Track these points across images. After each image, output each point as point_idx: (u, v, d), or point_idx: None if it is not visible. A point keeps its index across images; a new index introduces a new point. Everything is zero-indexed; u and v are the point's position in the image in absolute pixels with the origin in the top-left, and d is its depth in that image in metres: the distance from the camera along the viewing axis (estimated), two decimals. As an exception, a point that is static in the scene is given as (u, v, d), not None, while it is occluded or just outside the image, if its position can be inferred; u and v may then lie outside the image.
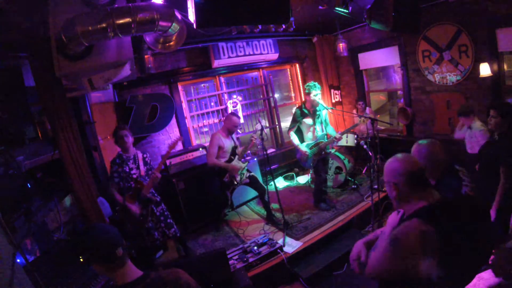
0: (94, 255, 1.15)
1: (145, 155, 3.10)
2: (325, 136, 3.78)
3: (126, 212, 2.79)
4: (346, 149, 5.12)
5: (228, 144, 3.66)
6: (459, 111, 3.37)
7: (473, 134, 3.24)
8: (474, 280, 2.55)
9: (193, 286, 1.20)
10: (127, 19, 1.89)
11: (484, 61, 3.67)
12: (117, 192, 2.87)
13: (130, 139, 2.98)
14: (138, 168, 2.99)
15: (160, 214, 3.10)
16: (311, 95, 3.61)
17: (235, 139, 3.83)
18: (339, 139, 3.72)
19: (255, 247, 3.08)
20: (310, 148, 3.77)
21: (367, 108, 5.44)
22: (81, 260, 1.14)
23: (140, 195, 2.89)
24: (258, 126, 3.61)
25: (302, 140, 3.88)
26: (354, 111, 5.46)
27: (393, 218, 1.41)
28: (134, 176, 2.95)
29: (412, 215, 1.17)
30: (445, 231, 1.07)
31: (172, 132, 4.59)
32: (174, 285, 1.16)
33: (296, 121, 3.80)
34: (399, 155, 1.32)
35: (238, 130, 5.11)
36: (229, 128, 3.67)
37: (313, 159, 3.81)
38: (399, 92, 5.79)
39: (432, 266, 1.04)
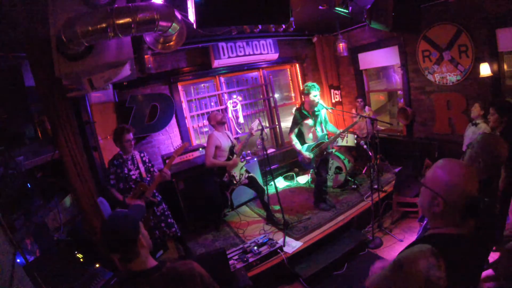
0: (114, 247, 1.15)
1: (142, 155, 3.08)
2: (326, 136, 3.78)
3: None
4: (346, 149, 5.12)
5: (225, 143, 3.66)
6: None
7: (477, 132, 3.26)
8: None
9: (206, 278, 1.23)
10: (127, 19, 1.89)
11: (484, 61, 3.67)
12: (116, 192, 2.85)
13: (133, 142, 2.97)
14: (137, 169, 2.98)
15: (160, 214, 3.09)
16: (310, 95, 3.59)
17: (232, 138, 3.84)
18: (343, 136, 3.72)
19: (255, 247, 3.08)
20: (312, 150, 3.77)
21: (366, 106, 5.43)
22: (81, 260, 1.14)
23: (142, 198, 2.88)
24: (255, 123, 3.59)
25: (303, 141, 3.87)
26: (353, 110, 5.46)
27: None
28: (134, 177, 2.93)
29: (430, 238, 1.06)
30: (456, 266, 0.98)
31: (172, 132, 4.59)
32: (189, 276, 1.19)
33: (296, 124, 3.79)
34: (457, 164, 1.03)
35: (238, 130, 5.11)
36: (219, 122, 3.68)
37: (315, 160, 3.81)
38: (399, 92, 5.80)
39: None
